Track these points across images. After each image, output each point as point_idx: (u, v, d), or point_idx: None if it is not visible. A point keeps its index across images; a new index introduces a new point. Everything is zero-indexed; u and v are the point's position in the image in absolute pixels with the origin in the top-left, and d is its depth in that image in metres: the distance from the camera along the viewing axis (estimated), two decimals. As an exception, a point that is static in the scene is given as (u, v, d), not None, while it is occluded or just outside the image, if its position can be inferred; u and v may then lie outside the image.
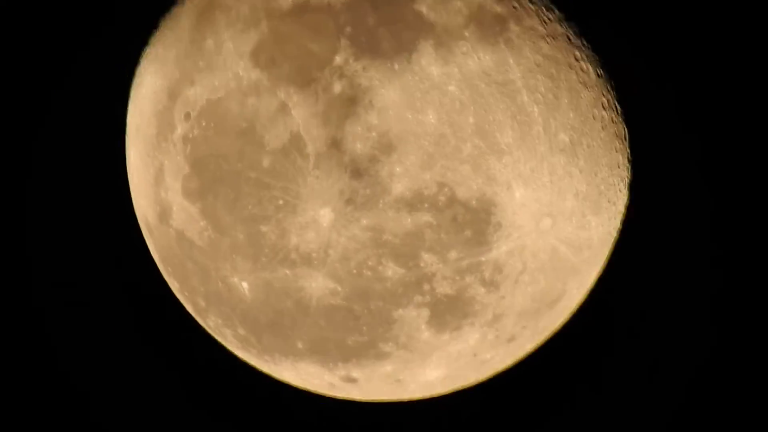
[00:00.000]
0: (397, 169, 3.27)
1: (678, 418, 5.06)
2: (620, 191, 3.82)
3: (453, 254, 3.41)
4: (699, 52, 4.74)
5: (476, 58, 3.28)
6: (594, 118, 3.55)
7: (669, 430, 5.02)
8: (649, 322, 4.91)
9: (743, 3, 4.70)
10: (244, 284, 3.68)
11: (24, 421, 5.11)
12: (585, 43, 3.55)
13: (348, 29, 3.28)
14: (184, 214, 3.72)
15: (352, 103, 3.26)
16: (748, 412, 5.00)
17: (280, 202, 3.38)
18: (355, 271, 3.44)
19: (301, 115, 3.29)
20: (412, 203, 3.31)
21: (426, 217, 3.33)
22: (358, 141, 3.26)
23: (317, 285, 3.52)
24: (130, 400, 5.07)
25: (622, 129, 3.72)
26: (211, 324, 4.12)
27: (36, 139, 4.76)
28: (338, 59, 3.27)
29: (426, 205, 3.31)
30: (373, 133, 3.25)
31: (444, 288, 3.50)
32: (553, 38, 3.44)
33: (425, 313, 3.56)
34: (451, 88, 3.26)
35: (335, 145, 3.27)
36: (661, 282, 4.85)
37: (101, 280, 4.91)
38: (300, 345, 3.78)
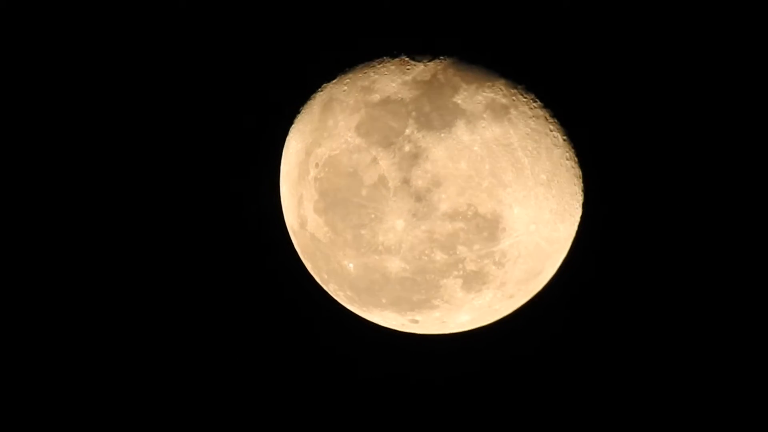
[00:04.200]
0: (443, 196, 3.91)
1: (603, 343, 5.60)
2: (577, 209, 4.36)
3: (476, 246, 4.01)
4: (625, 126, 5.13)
5: (491, 130, 3.96)
6: (561, 165, 4.17)
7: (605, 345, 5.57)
8: (592, 284, 5.46)
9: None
10: (351, 265, 4.26)
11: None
12: (556, 120, 4.17)
13: (414, 113, 3.97)
14: (315, 223, 4.34)
15: (415, 157, 3.91)
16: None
17: (373, 216, 4.03)
18: (417, 256, 4.02)
19: (385, 164, 3.96)
20: (452, 216, 3.93)
21: (460, 224, 3.94)
22: (419, 179, 3.92)
23: (395, 265, 4.10)
24: (283, 332, 5.86)
25: (578, 171, 4.30)
26: (331, 289, 4.70)
27: (228, 183, 5.61)
28: (407, 131, 3.96)
29: (460, 217, 3.93)
30: (428, 175, 3.90)
31: (471, 266, 4.07)
32: (536, 118, 4.09)
33: (460, 281, 4.13)
34: (476, 148, 3.93)
35: (406, 182, 3.93)
36: (602, 261, 5.38)
37: (267, 264, 5.66)
38: (384, 300, 4.33)
